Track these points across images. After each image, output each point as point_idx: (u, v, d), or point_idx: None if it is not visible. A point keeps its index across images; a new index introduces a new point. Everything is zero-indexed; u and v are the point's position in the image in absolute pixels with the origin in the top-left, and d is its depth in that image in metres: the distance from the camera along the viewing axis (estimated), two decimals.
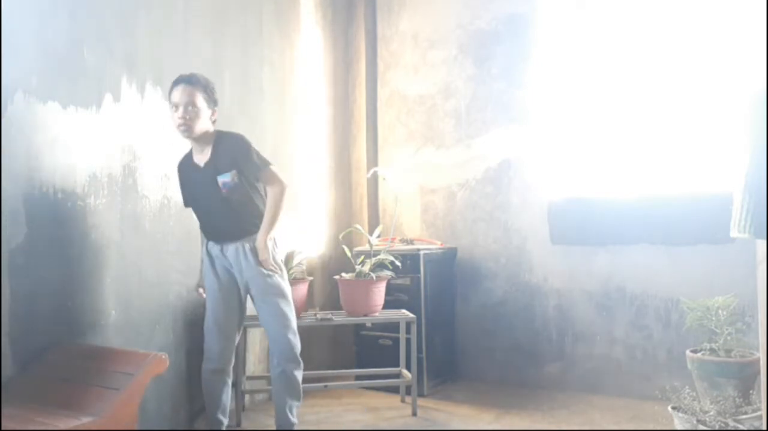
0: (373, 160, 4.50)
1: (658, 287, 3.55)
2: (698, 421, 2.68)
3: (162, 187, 2.95)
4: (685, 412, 2.76)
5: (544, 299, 3.90)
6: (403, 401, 3.59)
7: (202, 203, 2.75)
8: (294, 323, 2.80)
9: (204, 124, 2.64)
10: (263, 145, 3.67)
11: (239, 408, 3.19)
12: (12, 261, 2.28)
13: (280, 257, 2.88)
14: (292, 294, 2.86)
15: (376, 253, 3.54)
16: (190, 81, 2.58)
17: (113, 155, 2.71)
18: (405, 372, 3.57)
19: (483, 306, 4.10)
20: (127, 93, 2.78)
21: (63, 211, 2.49)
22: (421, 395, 3.58)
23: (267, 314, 2.75)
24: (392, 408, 3.49)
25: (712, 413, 2.68)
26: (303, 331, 3.84)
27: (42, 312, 2.39)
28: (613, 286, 3.69)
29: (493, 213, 4.10)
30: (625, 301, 3.65)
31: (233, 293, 2.79)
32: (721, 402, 2.72)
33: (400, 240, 4.16)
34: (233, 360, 2.85)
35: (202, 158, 2.70)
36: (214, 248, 2.76)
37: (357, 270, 3.43)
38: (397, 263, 3.52)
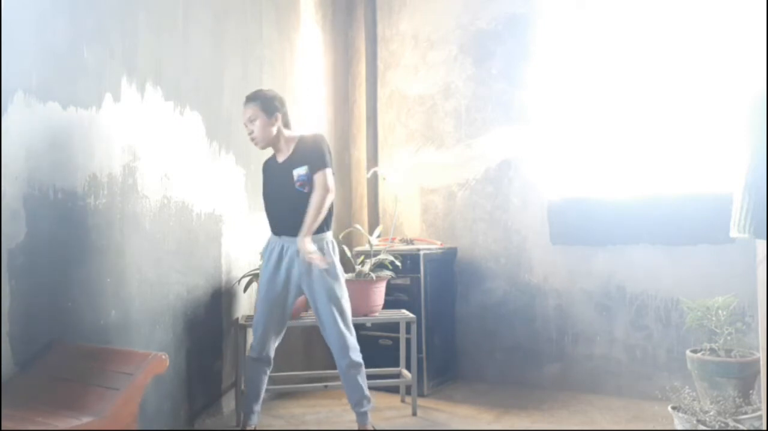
0: (373, 160, 4.51)
1: (658, 287, 3.55)
2: (698, 421, 2.68)
3: (162, 187, 2.95)
4: (685, 412, 2.76)
5: (544, 299, 3.90)
6: (403, 401, 3.59)
7: (274, 196, 2.91)
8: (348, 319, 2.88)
9: (267, 132, 2.84)
10: None
11: (239, 408, 3.19)
12: (12, 261, 2.28)
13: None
14: None
15: (376, 253, 3.54)
16: (248, 98, 2.86)
17: (113, 155, 2.71)
18: (405, 372, 3.57)
19: (483, 306, 4.10)
20: (127, 93, 2.78)
21: (63, 211, 2.48)
22: (421, 395, 3.58)
23: (324, 311, 2.81)
24: (392, 408, 3.49)
25: (712, 413, 2.68)
26: (303, 331, 3.86)
27: (42, 312, 2.39)
28: (613, 286, 3.69)
29: (493, 213, 4.10)
30: (625, 301, 3.65)
31: (280, 289, 2.84)
32: (721, 402, 2.72)
33: (400, 240, 4.16)
34: (270, 351, 2.91)
35: (282, 157, 2.90)
36: (277, 243, 2.85)
37: (357, 270, 3.43)
38: (397, 263, 3.52)
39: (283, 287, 2.84)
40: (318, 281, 2.78)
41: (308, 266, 2.75)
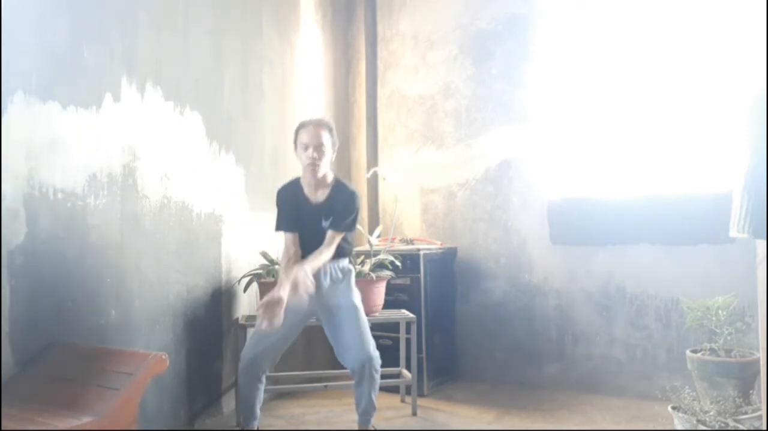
0: (373, 160, 4.51)
1: (658, 287, 3.55)
2: (698, 421, 2.68)
3: (162, 187, 2.95)
4: (685, 412, 2.76)
5: (544, 299, 3.90)
6: (403, 401, 3.59)
7: (307, 230, 2.83)
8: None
9: (329, 164, 2.81)
10: (263, 145, 3.69)
11: (239, 408, 3.19)
12: (12, 261, 2.28)
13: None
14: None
15: (376, 253, 3.54)
16: (319, 123, 2.79)
17: (113, 155, 2.71)
18: (405, 372, 3.56)
19: (483, 306, 4.10)
20: (127, 93, 2.78)
21: (63, 211, 2.48)
22: (421, 395, 3.58)
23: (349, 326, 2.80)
24: (392, 408, 3.49)
25: (712, 413, 2.68)
26: (303, 331, 3.85)
27: (42, 312, 2.39)
28: (613, 286, 3.69)
29: (493, 213, 4.10)
30: (625, 301, 3.65)
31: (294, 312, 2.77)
32: (721, 402, 2.72)
33: (400, 240, 4.16)
34: (266, 365, 2.83)
35: (315, 196, 2.83)
36: None
37: (357, 270, 3.42)
38: (397, 263, 3.52)
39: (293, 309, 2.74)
40: (338, 304, 2.81)
41: (319, 290, 2.75)
